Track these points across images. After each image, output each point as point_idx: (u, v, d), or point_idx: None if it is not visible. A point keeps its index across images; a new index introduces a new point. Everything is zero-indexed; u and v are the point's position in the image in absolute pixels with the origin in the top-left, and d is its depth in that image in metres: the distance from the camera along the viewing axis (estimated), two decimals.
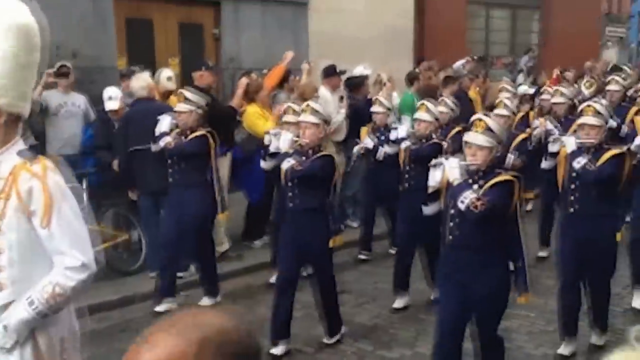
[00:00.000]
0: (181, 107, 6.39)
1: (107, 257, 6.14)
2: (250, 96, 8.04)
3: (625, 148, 5.55)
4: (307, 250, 5.58)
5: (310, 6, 11.72)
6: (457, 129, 7.16)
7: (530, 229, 5.95)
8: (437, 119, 6.73)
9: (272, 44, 10.79)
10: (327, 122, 5.87)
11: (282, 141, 5.80)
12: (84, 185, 6.62)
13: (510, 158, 6.99)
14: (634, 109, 8.26)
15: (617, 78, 8.99)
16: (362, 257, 8.25)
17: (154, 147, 6.47)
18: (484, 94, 10.85)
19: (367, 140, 7.63)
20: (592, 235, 5.27)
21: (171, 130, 6.46)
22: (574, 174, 5.41)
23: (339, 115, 8.54)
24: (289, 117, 6.36)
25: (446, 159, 4.67)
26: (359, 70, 9.98)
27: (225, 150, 7.64)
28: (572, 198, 5.46)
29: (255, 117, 7.95)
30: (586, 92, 9.62)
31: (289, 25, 11.44)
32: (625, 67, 12.10)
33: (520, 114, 8.74)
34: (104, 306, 6.51)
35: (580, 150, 5.35)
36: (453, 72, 11.04)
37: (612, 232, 5.39)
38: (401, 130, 6.96)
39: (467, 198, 4.31)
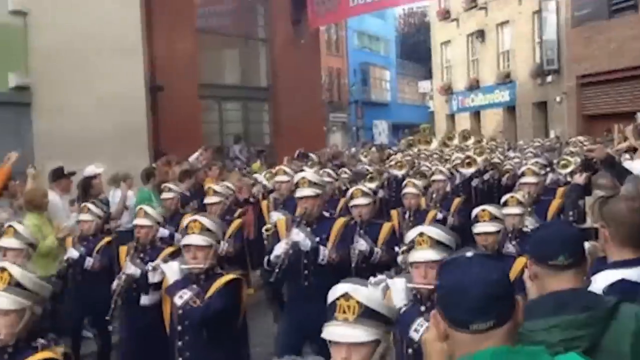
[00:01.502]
0: None
1: None
2: None
3: None
4: None
5: (34, 106, 11.18)
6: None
7: None
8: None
9: None
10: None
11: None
12: None
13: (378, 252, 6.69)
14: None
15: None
16: None
17: None
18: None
19: (71, 250, 6.78)
20: None
21: None
22: None
23: (70, 220, 7.86)
24: None
25: (391, 277, 4.19)
26: (90, 169, 9.61)
27: None
28: None
29: None
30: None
31: (11, 127, 10.77)
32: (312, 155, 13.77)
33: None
34: None
35: None
36: (189, 166, 11.11)
37: None
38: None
39: (423, 326, 3.72)
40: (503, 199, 6.56)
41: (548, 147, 16.66)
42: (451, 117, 32.67)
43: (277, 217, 7.13)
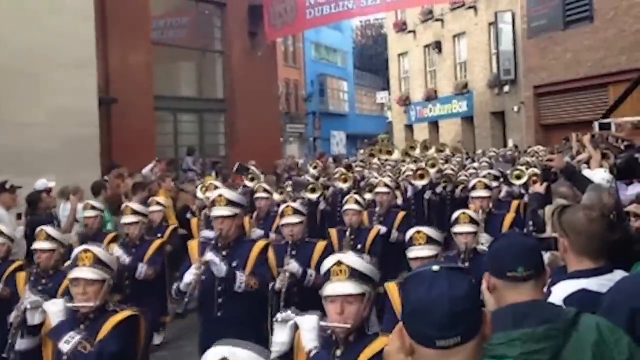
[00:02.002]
0: None
1: None
2: None
3: None
4: None
5: None
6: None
7: None
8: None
9: None
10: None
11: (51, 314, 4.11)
12: None
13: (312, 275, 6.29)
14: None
15: None
16: None
17: None
18: (175, 198, 10.85)
19: None
20: None
21: None
22: None
23: (17, 232, 7.74)
24: None
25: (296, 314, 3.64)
26: (42, 183, 9.51)
27: None
28: None
29: None
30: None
31: None
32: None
33: None
34: None
35: None
36: (142, 178, 10.89)
37: None
38: None
39: None
40: (454, 216, 6.01)
41: (508, 157, 16.54)
42: (409, 127, 32.83)
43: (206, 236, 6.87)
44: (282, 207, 6.46)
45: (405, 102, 32.90)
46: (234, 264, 5.12)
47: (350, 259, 3.36)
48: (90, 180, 10.41)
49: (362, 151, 24.41)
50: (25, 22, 11.53)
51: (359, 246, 7.38)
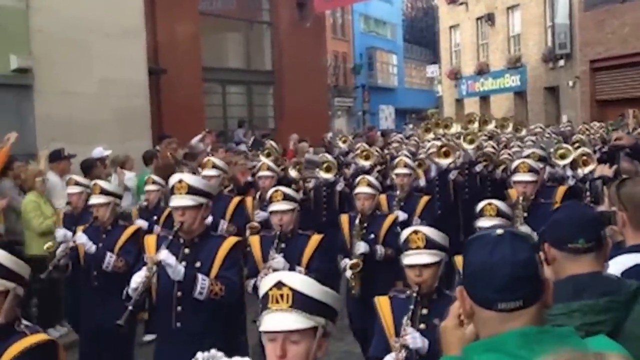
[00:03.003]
0: None
1: None
2: None
3: None
4: None
5: (36, 88, 11.01)
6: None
7: None
8: None
9: None
10: None
11: None
12: None
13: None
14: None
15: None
16: None
17: None
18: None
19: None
20: None
21: None
22: None
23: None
24: None
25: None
26: (98, 151, 9.84)
27: None
28: None
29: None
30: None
31: (12, 109, 10.64)
32: None
33: None
34: None
35: None
36: (190, 149, 10.99)
37: None
38: None
39: None
40: (478, 207, 5.08)
41: (566, 133, 14.93)
42: (459, 102, 32.36)
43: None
44: (271, 191, 5.63)
45: (456, 75, 32.41)
46: (197, 265, 4.28)
47: (295, 280, 2.46)
48: (140, 150, 10.64)
49: (410, 125, 24.06)
50: None
51: (372, 236, 6.32)
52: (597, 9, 22.03)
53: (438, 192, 9.45)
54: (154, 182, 7.78)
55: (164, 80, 14.83)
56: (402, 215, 7.25)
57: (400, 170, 7.94)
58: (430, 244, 3.89)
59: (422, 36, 47.60)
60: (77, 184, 7.07)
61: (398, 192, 7.78)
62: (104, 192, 5.84)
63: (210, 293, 4.16)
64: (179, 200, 4.32)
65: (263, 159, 9.80)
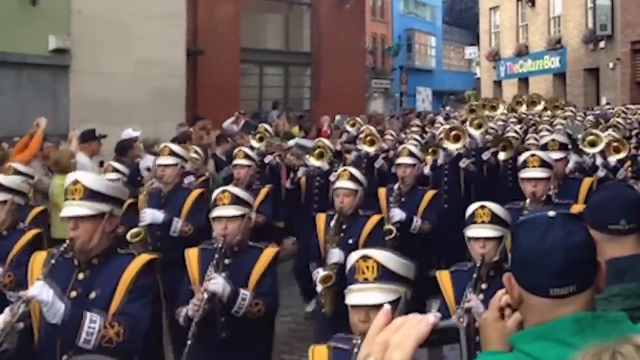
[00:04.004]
0: None
1: None
2: None
3: None
4: None
5: (73, 69, 11.19)
6: None
7: None
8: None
9: (26, 110, 10.10)
10: None
11: None
12: None
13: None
14: None
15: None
16: None
17: None
18: None
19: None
20: None
21: None
22: None
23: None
24: None
25: None
26: (127, 133, 9.67)
27: None
28: None
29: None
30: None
31: (47, 89, 10.83)
32: None
33: None
34: None
35: None
36: (222, 131, 11.03)
37: None
38: None
39: None
40: (468, 211, 4.23)
41: (608, 116, 13.79)
42: (498, 83, 31.93)
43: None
44: (217, 192, 4.44)
45: (495, 57, 31.96)
46: (92, 296, 3.29)
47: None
48: (174, 132, 10.60)
49: (448, 107, 23.74)
50: None
51: (350, 241, 5.13)
52: None
53: (446, 182, 8.39)
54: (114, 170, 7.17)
55: (201, 61, 14.95)
56: (398, 215, 6.25)
57: (403, 159, 6.76)
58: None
59: (461, 18, 46.94)
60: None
61: (397, 186, 6.63)
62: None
63: (102, 341, 3.07)
64: (71, 209, 3.30)
65: (254, 143, 9.03)
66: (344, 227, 5.26)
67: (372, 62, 34.47)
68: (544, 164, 5.35)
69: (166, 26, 12.59)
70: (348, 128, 11.71)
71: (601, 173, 7.43)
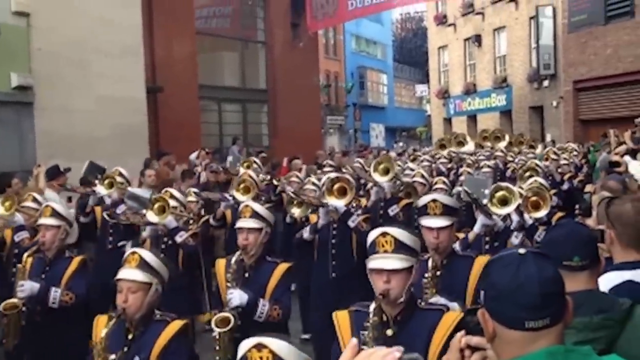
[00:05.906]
0: None
1: None
2: None
3: None
4: None
5: (36, 105, 11.23)
6: None
7: None
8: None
9: None
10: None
11: None
12: None
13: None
14: None
15: None
16: None
17: None
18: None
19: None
20: None
21: None
22: None
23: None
24: None
25: None
26: None
27: None
28: None
29: None
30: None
31: (13, 126, 10.84)
32: None
33: None
34: None
35: None
36: (188, 165, 11.18)
37: None
38: None
39: None
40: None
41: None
42: (448, 120, 32.74)
43: None
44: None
45: (444, 95, 32.81)
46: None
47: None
48: (138, 168, 10.63)
49: (401, 143, 24.24)
50: (73, 10, 11.86)
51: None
52: (580, 31, 22.47)
53: (333, 245, 6.60)
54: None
55: (161, 98, 15.07)
56: (237, 298, 4.61)
57: (245, 222, 4.88)
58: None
59: (411, 56, 48.15)
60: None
61: (235, 257, 4.81)
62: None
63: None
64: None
65: (102, 190, 7.89)
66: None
67: (327, 99, 35.02)
68: (447, 210, 4.45)
69: (125, 63, 12.71)
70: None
71: (515, 240, 5.89)
